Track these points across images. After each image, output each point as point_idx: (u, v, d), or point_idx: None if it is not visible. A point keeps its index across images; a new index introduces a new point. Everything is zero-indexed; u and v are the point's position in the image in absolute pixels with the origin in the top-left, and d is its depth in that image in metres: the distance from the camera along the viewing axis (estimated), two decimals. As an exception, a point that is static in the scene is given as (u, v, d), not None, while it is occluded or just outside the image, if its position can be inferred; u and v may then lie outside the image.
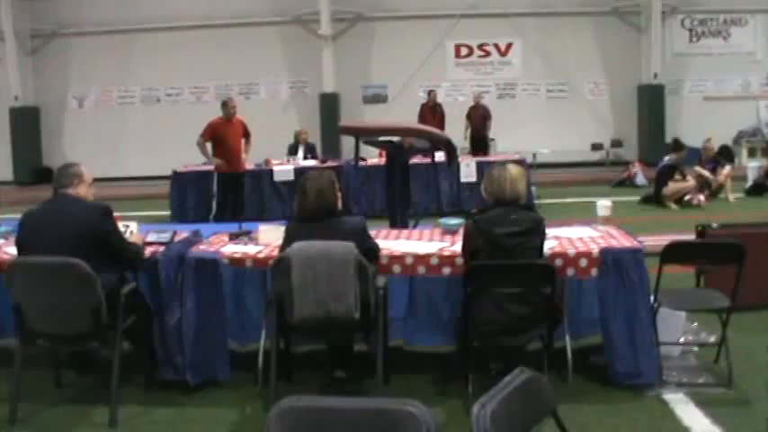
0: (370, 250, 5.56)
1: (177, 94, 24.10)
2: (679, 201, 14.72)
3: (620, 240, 6.12)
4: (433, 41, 23.21)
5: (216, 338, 5.97)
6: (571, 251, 5.85)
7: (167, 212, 14.72)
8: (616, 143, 23.38)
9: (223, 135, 12.70)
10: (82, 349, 5.90)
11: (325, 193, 5.50)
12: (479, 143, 19.19)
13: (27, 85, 23.67)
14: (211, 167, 13.39)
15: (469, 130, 19.68)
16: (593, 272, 5.79)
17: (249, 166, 13.77)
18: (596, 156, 23.19)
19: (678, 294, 6.06)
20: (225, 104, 12.94)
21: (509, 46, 23.60)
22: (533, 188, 14.66)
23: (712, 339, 6.34)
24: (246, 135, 13.07)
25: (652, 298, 5.77)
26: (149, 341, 5.90)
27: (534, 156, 21.24)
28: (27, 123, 23.57)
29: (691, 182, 14.91)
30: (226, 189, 12.92)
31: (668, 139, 20.42)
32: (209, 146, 12.76)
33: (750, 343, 6.43)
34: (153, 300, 5.93)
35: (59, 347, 5.81)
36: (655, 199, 15.01)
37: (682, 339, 6.45)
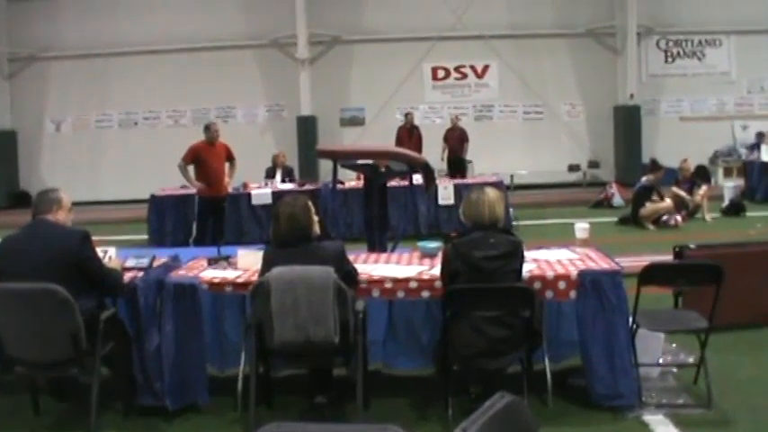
0: (349, 274, 5.56)
1: (155, 118, 24.04)
2: (656, 221, 14.75)
3: (599, 262, 6.15)
4: (410, 64, 23.29)
5: (195, 363, 5.94)
6: (549, 274, 5.88)
7: (145, 236, 14.64)
8: (593, 164, 23.50)
9: (205, 159, 12.69)
10: (61, 376, 5.86)
11: (297, 218, 5.50)
12: (457, 165, 19.29)
13: (4, 109, 23.61)
14: (191, 191, 13.39)
15: (446, 153, 19.76)
16: (572, 294, 5.81)
17: (229, 189, 13.71)
18: (573, 177, 23.30)
19: (656, 316, 6.07)
20: (208, 128, 12.94)
21: (486, 68, 23.70)
22: (511, 210, 14.68)
23: (691, 360, 6.36)
24: (230, 159, 13.06)
25: (630, 319, 5.79)
26: (128, 367, 5.86)
27: (512, 177, 21.36)
28: (4, 147, 23.46)
29: (668, 202, 14.96)
30: (206, 213, 12.89)
31: (645, 160, 20.59)
32: (191, 169, 12.74)
33: (729, 363, 6.48)
34: (132, 325, 5.89)
35: (38, 374, 5.77)
36: (632, 220, 15.06)
37: (661, 360, 6.47)
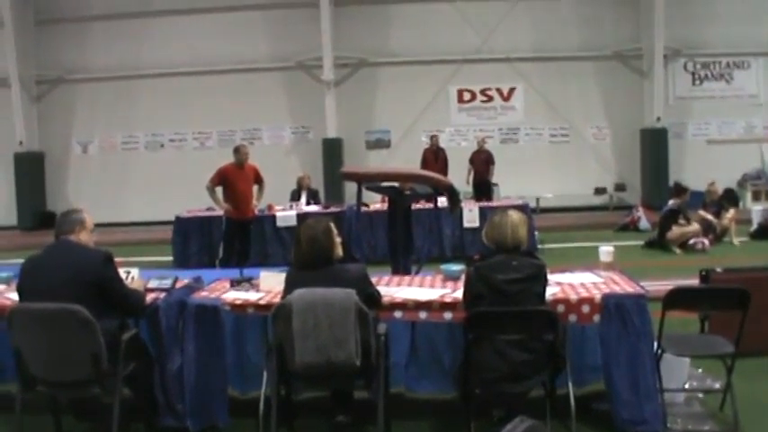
0: (372, 297, 5.53)
1: (181, 140, 24.18)
2: (683, 245, 14.65)
3: (623, 286, 6.08)
4: (436, 86, 23.33)
5: (217, 385, 5.93)
6: (573, 297, 5.82)
7: (170, 258, 14.68)
8: (619, 187, 23.41)
9: (233, 181, 12.74)
10: (82, 396, 5.84)
11: (318, 241, 5.47)
12: (482, 188, 19.22)
13: (32, 131, 23.78)
14: (217, 213, 13.46)
15: (472, 175, 19.71)
16: (596, 318, 5.75)
17: (256, 211, 13.72)
18: (599, 200, 23.23)
19: (682, 340, 6.00)
20: (237, 150, 12.98)
21: (512, 90, 23.70)
22: (536, 233, 14.64)
23: (717, 386, 6.29)
24: (259, 181, 13.13)
25: (656, 344, 5.72)
26: (149, 388, 5.86)
27: (537, 200, 21.29)
28: (31, 168, 23.66)
29: (695, 226, 14.86)
30: (233, 234, 12.92)
31: (672, 183, 20.46)
32: (219, 191, 12.77)
33: (756, 389, 6.39)
34: (153, 346, 5.90)
35: (59, 394, 5.76)
36: (659, 243, 14.97)
37: (686, 386, 6.39)
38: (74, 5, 23.68)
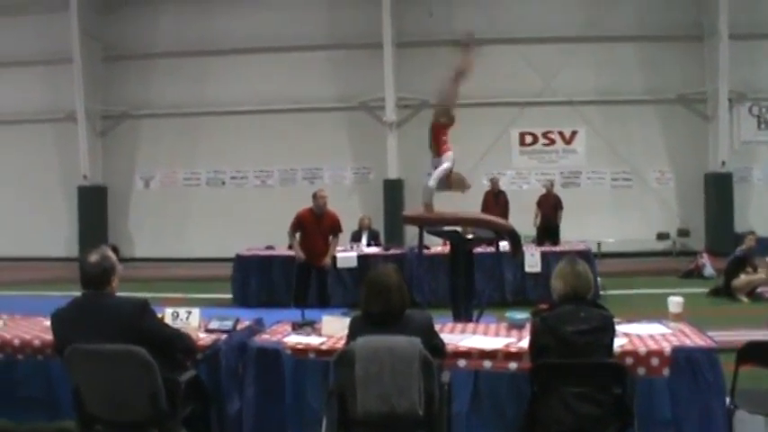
0: (436, 348, 5.41)
1: (242, 178, 24.34)
2: (750, 293, 14.38)
3: (693, 338, 5.94)
4: (498, 129, 23.28)
5: (275, 429, 5.86)
6: (642, 349, 5.69)
7: (230, 296, 14.67)
8: (683, 233, 23.10)
9: (307, 230, 12.52)
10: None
11: (392, 297, 5.32)
12: (549, 232, 19.01)
13: (96, 165, 24.28)
14: (277, 252, 13.42)
15: (539, 219, 19.56)
16: (665, 371, 5.62)
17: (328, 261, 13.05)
18: (662, 245, 22.95)
19: (757, 396, 5.81)
20: (314, 196, 12.64)
21: (574, 134, 23.59)
22: (599, 279, 14.44)
23: (793, 445, 6.08)
24: (335, 232, 12.76)
25: (728, 399, 5.55)
26: (208, 430, 5.80)
27: (599, 245, 21.07)
28: (94, 202, 24.14)
29: (762, 274, 14.58)
30: (300, 276, 12.61)
31: (737, 229, 20.20)
32: (298, 235, 12.61)
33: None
34: (213, 388, 5.85)
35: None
36: (725, 291, 14.68)
37: (760, 444, 6.20)
38: (140, 43, 24.12)
